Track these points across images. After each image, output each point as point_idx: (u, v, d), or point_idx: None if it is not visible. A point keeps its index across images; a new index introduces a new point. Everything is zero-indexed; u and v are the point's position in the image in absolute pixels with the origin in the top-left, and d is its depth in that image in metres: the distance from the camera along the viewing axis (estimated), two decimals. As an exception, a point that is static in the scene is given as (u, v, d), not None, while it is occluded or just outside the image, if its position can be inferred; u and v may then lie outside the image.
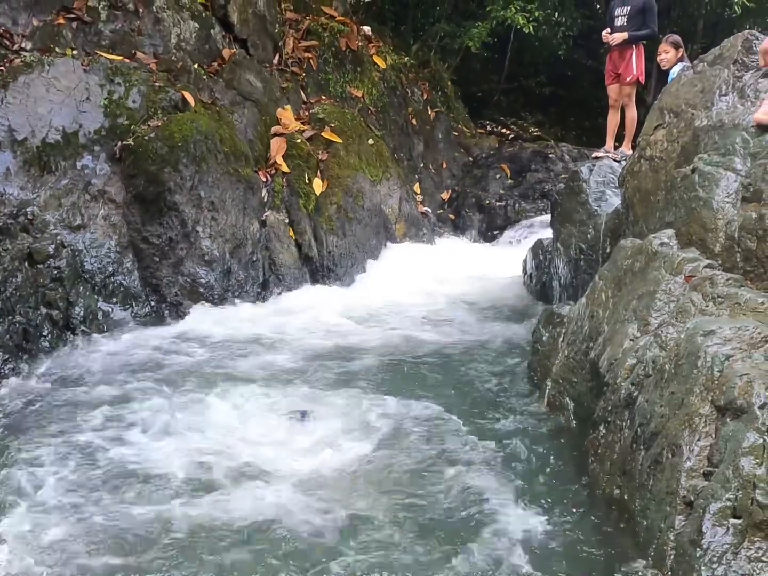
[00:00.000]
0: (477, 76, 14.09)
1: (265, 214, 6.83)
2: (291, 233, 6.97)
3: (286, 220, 6.99)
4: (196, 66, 6.96)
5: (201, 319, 5.69)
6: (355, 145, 8.02)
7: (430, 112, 10.51)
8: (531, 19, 10.30)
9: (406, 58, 10.52)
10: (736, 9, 10.74)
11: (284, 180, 7.14)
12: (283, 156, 7.24)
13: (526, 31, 10.21)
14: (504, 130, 13.61)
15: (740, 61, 4.11)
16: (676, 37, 6.01)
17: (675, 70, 5.50)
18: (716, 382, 2.74)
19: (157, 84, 6.37)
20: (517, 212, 8.94)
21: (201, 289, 6.00)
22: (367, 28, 9.92)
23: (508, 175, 9.69)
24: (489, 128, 13.56)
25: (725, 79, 3.95)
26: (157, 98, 6.28)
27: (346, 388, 4.43)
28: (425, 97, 10.58)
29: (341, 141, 7.80)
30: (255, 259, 6.51)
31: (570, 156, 9.79)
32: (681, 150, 4.05)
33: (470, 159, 10.57)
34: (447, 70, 12.04)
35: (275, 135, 7.39)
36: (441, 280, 7.29)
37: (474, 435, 3.77)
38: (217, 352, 5.10)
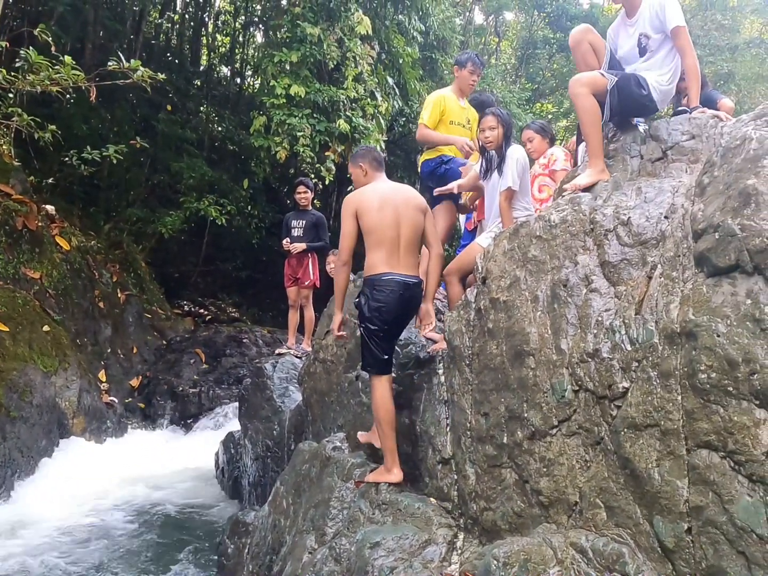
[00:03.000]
0: (175, 258, 14.19)
1: None
2: (-72, 443, 5.76)
3: (-77, 428, 5.79)
4: None
5: None
6: (25, 332, 7.21)
7: (120, 295, 10.09)
8: (224, 212, 10.88)
9: (93, 241, 10.14)
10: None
11: (-75, 377, 6.01)
12: (-74, 348, 6.14)
13: (219, 223, 10.71)
14: (202, 311, 13.68)
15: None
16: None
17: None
18: (383, 598, 2.80)
19: None
20: (212, 399, 8.72)
21: None
22: (50, 208, 9.40)
23: (203, 360, 9.56)
24: (186, 308, 13.51)
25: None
26: None
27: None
28: (115, 279, 10.19)
29: (8, 329, 6.95)
30: None
31: (263, 341, 10.08)
32: (348, 355, 4.40)
33: (164, 343, 10.24)
34: (141, 251, 11.91)
35: None
36: (123, 480, 6.60)
37: None
38: None
